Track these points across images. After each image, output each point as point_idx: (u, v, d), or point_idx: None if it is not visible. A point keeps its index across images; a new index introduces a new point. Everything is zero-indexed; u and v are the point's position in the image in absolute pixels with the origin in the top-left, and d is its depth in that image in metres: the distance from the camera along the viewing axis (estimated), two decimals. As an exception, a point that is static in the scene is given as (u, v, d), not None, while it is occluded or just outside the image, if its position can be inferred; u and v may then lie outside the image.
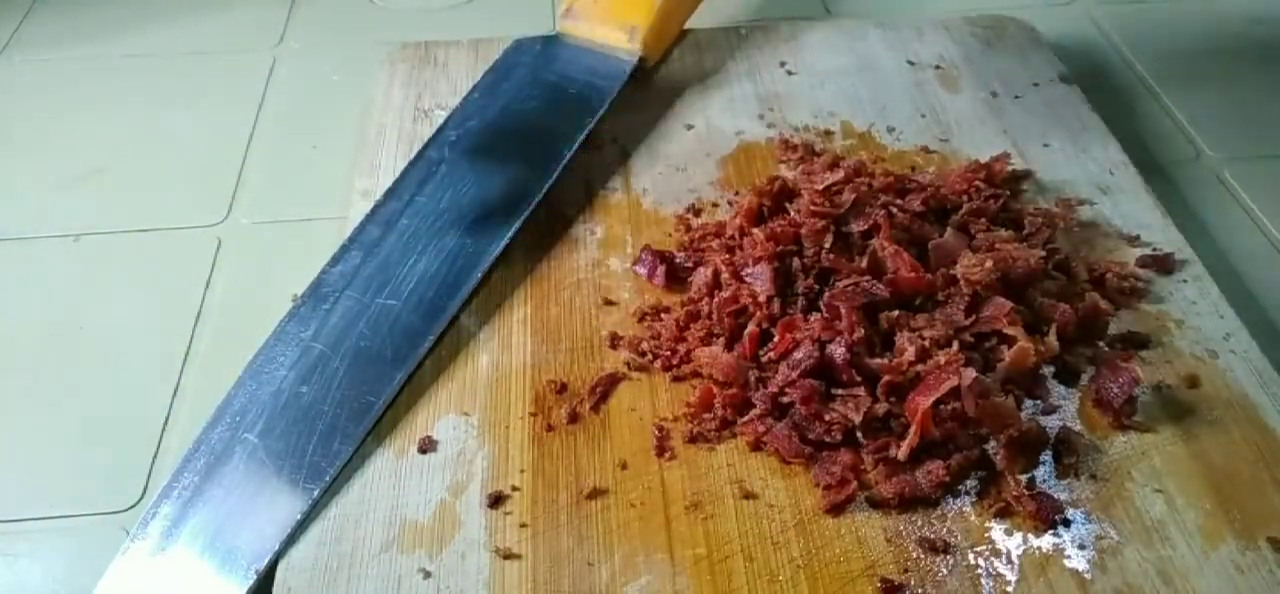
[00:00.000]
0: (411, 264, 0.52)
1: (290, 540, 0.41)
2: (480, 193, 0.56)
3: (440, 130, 0.61)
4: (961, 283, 0.47)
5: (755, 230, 0.50)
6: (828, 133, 0.61)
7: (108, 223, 0.59)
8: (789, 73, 0.66)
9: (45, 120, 0.67)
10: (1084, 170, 0.58)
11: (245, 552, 0.41)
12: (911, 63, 0.67)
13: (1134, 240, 0.53)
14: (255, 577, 0.40)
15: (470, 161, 0.58)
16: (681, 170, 0.59)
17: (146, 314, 0.53)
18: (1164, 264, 0.52)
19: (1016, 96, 0.64)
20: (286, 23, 0.76)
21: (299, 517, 0.42)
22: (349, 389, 0.46)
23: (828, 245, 0.49)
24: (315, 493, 0.43)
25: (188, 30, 0.75)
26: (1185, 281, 0.51)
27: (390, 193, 0.56)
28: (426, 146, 0.59)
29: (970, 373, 0.43)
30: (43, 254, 0.57)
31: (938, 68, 0.66)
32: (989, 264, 0.47)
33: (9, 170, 0.63)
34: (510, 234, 0.53)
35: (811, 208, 0.50)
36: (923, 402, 0.42)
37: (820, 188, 0.51)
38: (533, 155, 0.58)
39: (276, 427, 0.45)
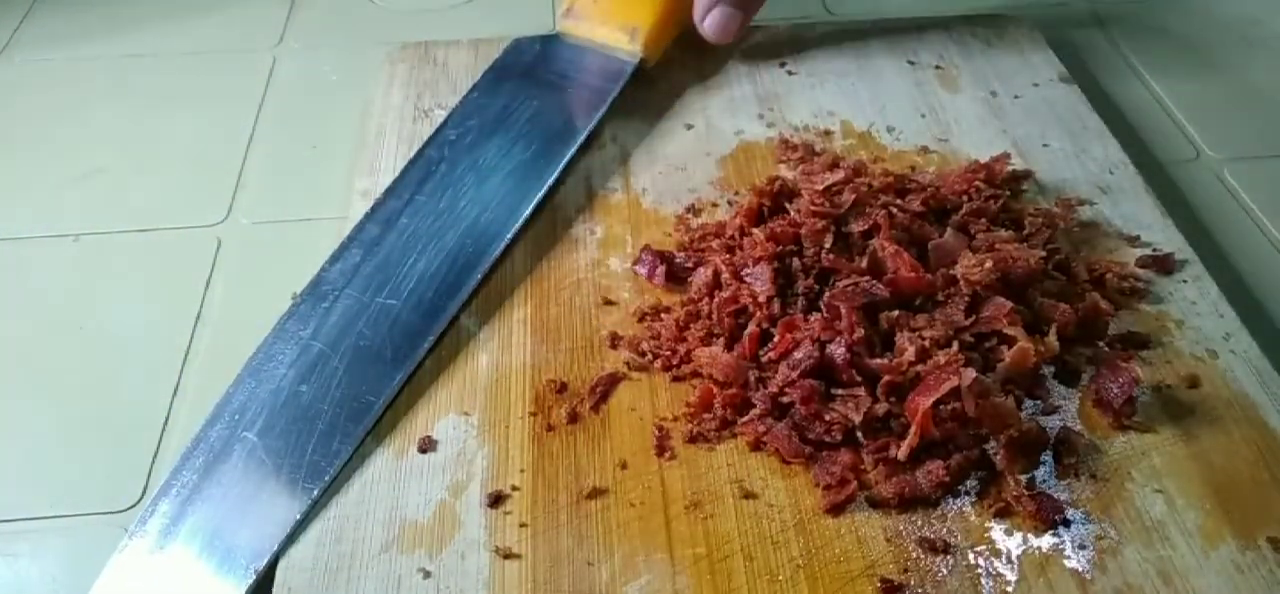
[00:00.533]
0: (411, 264, 0.52)
1: (290, 540, 0.41)
2: (480, 193, 0.56)
3: (440, 130, 0.61)
4: (961, 283, 0.47)
5: (755, 230, 0.50)
6: (827, 132, 0.61)
7: (108, 223, 0.59)
8: (789, 73, 0.66)
9: (45, 120, 0.67)
10: (1084, 170, 0.58)
11: (244, 550, 0.41)
12: (911, 63, 0.67)
13: (1134, 240, 0.53)
14: (254, 576, 0.40)
15: (470, 161, 0.58)
16: (681, 170, 0.59)
17: (146, 314, 0.53)
18: (1164, 264, 0.52)
19: (1016, 96, 0.64)
20: (286, 23, 0.76)
21: (298, 516, 0.42)
22: (349, 388, 0.46)
23: (828, 245, 0.49)
24: (315, 492, 0.43)
25: (188, 30, 0.75)
26: (1185, 281, 0.51)
27: (390, 192, 0.56)
28: (426, 146, 0.59)
29: (970, 373, 0.43)
30: (43, 254, 0.57)
31: (938, 68, 0.66)
32: (989, 264, 0.47)
33: (9, 170, 0.63)
34: (510, 234, 0.53)
35: (811, 208, 0.50)
36: (923, 402, 0.42)
37: (820, 188, 0.51)
38: (532, 156, 0.58)
39: (276, 425, 0.45)
